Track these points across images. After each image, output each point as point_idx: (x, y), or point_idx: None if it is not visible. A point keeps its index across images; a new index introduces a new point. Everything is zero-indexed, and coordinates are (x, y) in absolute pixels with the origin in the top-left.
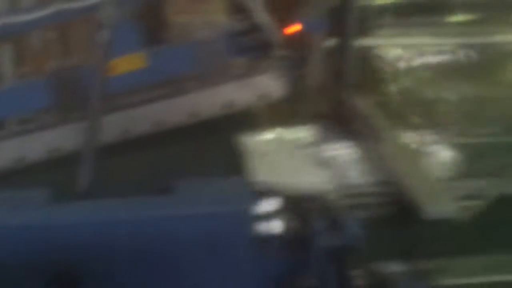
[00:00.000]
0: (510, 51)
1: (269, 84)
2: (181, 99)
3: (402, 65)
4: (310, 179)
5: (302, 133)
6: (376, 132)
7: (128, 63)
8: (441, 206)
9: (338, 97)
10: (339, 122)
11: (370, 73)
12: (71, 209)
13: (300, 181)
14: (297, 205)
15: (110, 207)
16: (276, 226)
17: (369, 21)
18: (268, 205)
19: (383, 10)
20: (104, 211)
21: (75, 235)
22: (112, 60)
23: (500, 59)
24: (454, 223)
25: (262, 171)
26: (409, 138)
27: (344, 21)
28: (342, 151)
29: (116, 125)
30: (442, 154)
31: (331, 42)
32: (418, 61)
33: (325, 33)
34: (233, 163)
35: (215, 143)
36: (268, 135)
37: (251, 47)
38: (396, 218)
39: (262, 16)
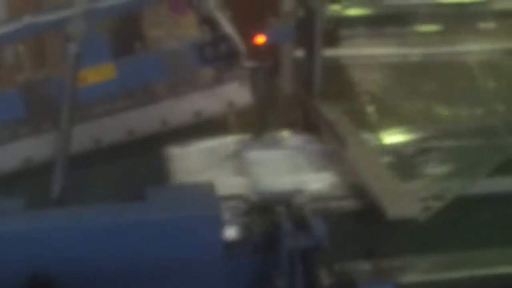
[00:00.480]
0: (474, 59)
1: (236, 93)
2: (152, 107)
3: (369, 73)
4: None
5: (229, 142)
6: (342, 137)
7: (98, 73)
8: (404, 206)
9: (307, 105)
10: (308, 129)
11: (338, 82)
12: (45, 216)
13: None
14: (264, 209)
15: (83, 214)
16: (244, 230)
17: (337, 31)
18: (236, 209)
19: (351, 21)
20: (77, 218)
21: (49, 242)
22: (82, 71)
23: (465, 67)
24: (416, 223)
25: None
26: (373, 142)
27: (312, 31)
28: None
29: (88, 134)
30: (404, 157)
31: (300, 52)
32: (384, 70)
33: (294, 43)
34: None
35: None
36: (197, 145)
37: (218, 57)
38: (361, 218)
39: (228, 27)
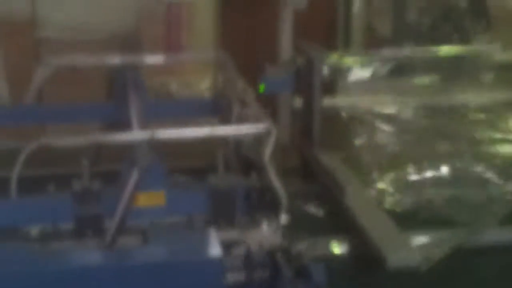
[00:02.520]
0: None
1: (269, 236)
2: None
3: (367, 122)
4: None
5: None
6: (341, 185)
7: (150, 198)
8: (404, 255)
9: (306, 154)
10: (307, 177)
11: (337, 131)
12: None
13: None
14: (263, 255)
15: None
16: (244, 276)
17: (334, 81)
18: (236, 254)
19: (349, 70)
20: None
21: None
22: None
23: (463, 117)
24: (416, 272)
25: None
26: (372, 191)
27: (311, 80)
28: None
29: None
30: (403, 206)
31: (298, 100)
32: (382, 119)
33: (293, 92)
34: None
35: None
36: None
37: (262, 206)
38: (361, 267)
39: (275, 179)
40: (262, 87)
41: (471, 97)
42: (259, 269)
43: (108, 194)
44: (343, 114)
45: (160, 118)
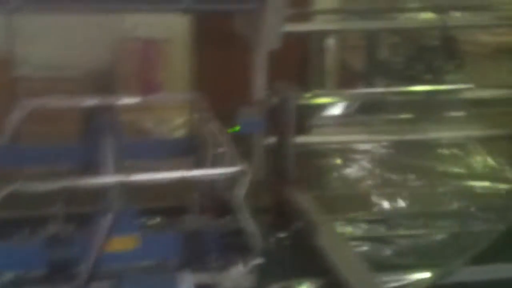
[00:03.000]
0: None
1: (243, 277)
2: None
3: (339, 161)
4: None
5: None
6: (313, 226)
7: (123, 243)
8: None
9: (279, 192)
10: (280, 216)
11: (310, 169)
12: None
13: None
14: None
15: None
16: None
17: (307, 119)
18: None
19: (323, 109)
20: None
21: None
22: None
23: (433, 153)
24: None
25: None
26: (345, 230)
27: (283, 120)
28: None
29: None
30: (376, 246)
31: (271, 140)
32: (355, 156)
33: (265, 131)
34: None
35: None
36: None
37: (235, 248)
38: None
39: (251, 223)
40: (236, 128)
41: (442, 134)
42: None
43: (81, 239)
44: (316, 151)
45: (135, 158)
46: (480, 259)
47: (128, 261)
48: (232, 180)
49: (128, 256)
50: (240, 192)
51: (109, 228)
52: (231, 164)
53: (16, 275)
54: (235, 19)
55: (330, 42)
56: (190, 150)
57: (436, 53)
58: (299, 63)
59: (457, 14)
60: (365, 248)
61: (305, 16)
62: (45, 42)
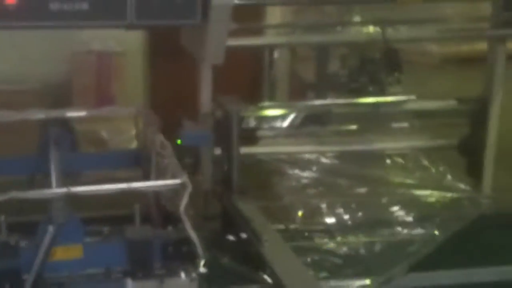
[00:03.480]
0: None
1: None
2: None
3: (284, 171)
4: None
5: None
6: (258, 234)
7: (66, 252)
8: None
9: (226, 201)
10: (226, 225)
11: (255, 179)
12: None
13: None
14: None
15: None
16: None
17: (255, 131)
18: None
19: (268, 121)
20: None
21: None
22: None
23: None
24: None
25: None
26: (288, 239)
27: (228, 132)
28: None
29: None
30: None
31: (218, 150)
32: (301, 166)
33: (213, 142)
34: None
35: None
36: None
37: (178, 257)
38: None
39: (192, 232)
40: (179, 141)
41: (387, 144)
42: None
43: (26, 248)
44: (263, 162)
45: (85, 170)
46: (420, 267)
47: (74, 270)
48: (174, 191)
49: (73, 265)
50: (182, 203)
51: (52, 238)
52: (173, 176)
53: None
54: (181, 33)
55: (281, 54)
56: (138, 162)
57: (379, 65)
58: (253, 76)
59: (402, 27)
60: (308, 257)
61: (256, 31)
62: (2, 54)
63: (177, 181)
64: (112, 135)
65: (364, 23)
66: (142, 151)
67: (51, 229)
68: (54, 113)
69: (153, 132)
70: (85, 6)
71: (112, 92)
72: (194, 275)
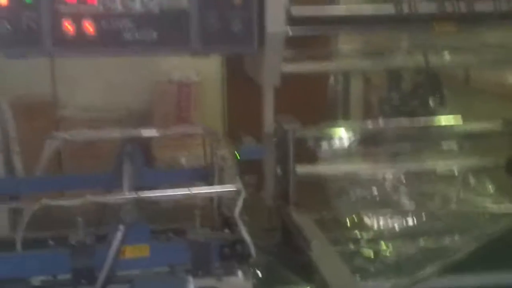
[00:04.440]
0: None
1: (241, 283)
2: None
3: (339, 188)
4: None
5: None
6: (308, 240)
7: (135, 251)
8: None
9: (284, 214)
10: (284, 235)
11: (314, 195)
12: None
13: None
14: None
15: None
16: None
17: (315, 150)
18: None
19: (329, 140)
20: None
21: None
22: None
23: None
24: None
25: None
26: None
27: (286, 150)
28: None
29: None
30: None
31: (279, 168)
32: (356, 184)
33: (276, 160)
34: None
35: None
36: None
37: (233, 256)
38: None
39: (245, 232)
40: (237, 155)
41: (438, 164)
42: None
43: (100, 247)
44: (321, 179)
45: (155, 185)
46: (452, 270)
47: (141, 268)
48: (231, 198)
49: (140, 263)
50: (237, 207)
51: (122, 238)
52: (230, 184)
53: (43, 280)
54: (244, 61)
55: (355, 79)
56: (205, 178)
57: (427, 90)
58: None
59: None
60: (352, 261)
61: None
62: (87, 84)
63: (232, 187)
64: (189, 161)
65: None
66: (208, 167)
67: (121, 228)
68: (127, 132)
69: (216, 147)
70: (154, 35)
71: (191, 118)
72: (248, 273)
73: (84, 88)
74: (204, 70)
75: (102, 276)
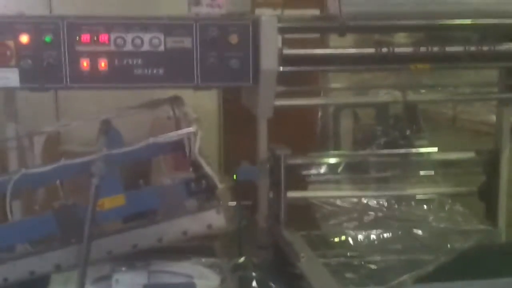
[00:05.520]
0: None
1: (214, 218)
2: (151, 228)
3: (327, 211)
4: None
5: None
6: (297, 253)
7: (112, 202)
8: None
9: (275, 233)
10: (276, 252)
11: (302, 217)
12: None
13: None
14: None
15: None
16: None
17: (304, 176)
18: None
19: (317, 167)
20: None
21: None
22: (100, 199)
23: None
24: None
25: None
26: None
27: (278, 175)
28: None
29: (103, 247)
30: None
31: (271, 193)
32: (340, 206)
33: (268, 186)
34: None
35: None
36: None
37: (200, 191)
38: None
39: (209, 169)
40: (235, 176)
41: (416, 190)
42: None
43: (82, 206)
44: (309, 203)
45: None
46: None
47: (120, 215)
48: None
49: (118, 212)
50: (196, 146)
51: (97, 188)
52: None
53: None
54: (241, 94)
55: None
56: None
57: (404, 122)
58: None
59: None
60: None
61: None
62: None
63: (188, 130)
64: None
65: (391, 86)
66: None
67: (94, 181)
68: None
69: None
70: (161, 71)
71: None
72: (219, 207)
73: (82, 125)
74: (201, 106)
75: (86, 229)
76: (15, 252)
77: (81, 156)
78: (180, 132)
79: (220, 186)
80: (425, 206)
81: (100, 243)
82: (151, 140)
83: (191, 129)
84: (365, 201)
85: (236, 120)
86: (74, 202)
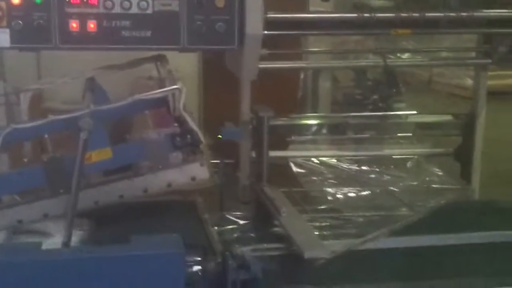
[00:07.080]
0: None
1: (197, 170)
2: (137, 179)
3: (304, 169)
4: None
5: None
6: (278, 208)
7: (99, 155)
8: (317, 250)
9: (257, 190)
10: (258, 207)
11: (283, 176)
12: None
13: None
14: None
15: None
16: (200, 269)
17: (285, 137)
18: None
19: (297, 129)
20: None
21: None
22: (88, 152)
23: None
24: (326, 261)
25: None
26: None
27: (260, 135)
28: None
29: (90, 197)
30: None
31: (254, 152)
32: (321, 168)
33: (250, 145)
34: None
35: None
36: None
37: (185, 144)
38: (288, 259)
39: (193, 124)
40: (220, 136)
41: (394, 151)
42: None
43: (70, 158)
44: (291, 163)
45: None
46: (398, 233)
47: (106, 168)
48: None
49: (105, 164)
50: (181, 102)
51: (85, 144)
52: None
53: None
54: (226, 58)
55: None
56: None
57: (384, 86)
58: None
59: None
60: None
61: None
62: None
63: (175, 86)
64: None
65: (371, 51)
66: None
67: (82, 135)
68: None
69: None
70: (148, 33)
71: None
72: (203, 160)
73: (66, 83)
74: (183, 67)
75: (74, 181)
76: (3, 202)
77: (64, 113)
78: (166, 89)
79: (203, 141)
80: (403, 166)
81: (87, 193)
82: (137, 96)
83: (177, 86)
84: (345, 164)
85: (216, 82)
86: (62, 155)
